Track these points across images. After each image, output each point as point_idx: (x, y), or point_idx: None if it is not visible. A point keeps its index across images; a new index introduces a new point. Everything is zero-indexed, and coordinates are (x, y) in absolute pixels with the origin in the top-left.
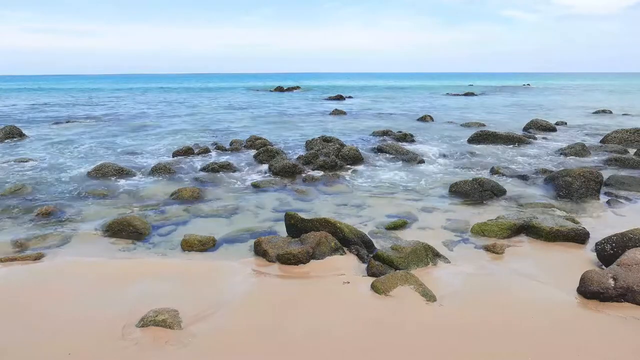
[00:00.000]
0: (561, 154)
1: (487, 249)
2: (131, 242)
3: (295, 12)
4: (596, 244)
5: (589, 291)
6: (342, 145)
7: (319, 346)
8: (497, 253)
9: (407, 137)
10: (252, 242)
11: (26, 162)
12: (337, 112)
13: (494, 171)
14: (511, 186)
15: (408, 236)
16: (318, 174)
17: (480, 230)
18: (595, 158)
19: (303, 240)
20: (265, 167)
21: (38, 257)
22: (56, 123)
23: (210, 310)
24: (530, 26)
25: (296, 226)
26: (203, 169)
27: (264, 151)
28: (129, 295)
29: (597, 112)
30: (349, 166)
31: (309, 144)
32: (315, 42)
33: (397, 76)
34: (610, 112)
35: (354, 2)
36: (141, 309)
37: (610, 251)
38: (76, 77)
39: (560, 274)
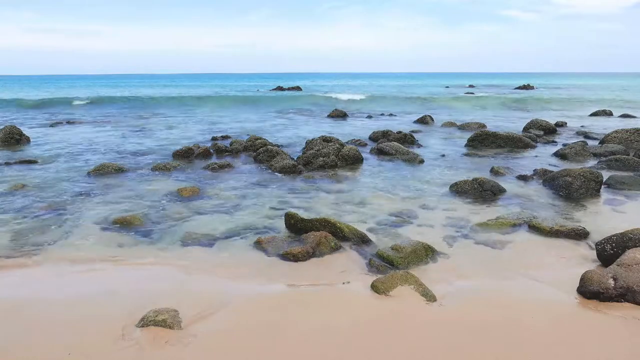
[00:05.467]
0: (561, 153)
1: (487, 248)
2: (131, 241)
3: (295, 12)
4: (596, 244)
5: (588, 291)
6: (342, 145)
7: (319, 346)
8: (497, 253)
9: (407, 138)
10: (252, 240)
11: (26, 161)
12: (336, 112)
13: (493, 171)
14: (511, 186)
15: (408, 236)
16: (318, 173)
17: (481, 230)
18: (595, 158)
19: (303, 240)
20: (265, 167)
21: None
22: (56, 123)
23: (210, 310)
24: (530, 26)
25: (296, 226)
26: (203, 169)
27: (264, 151)
28: (129, 295)
29: (597, 112)
30: (349, 166)
31: (308, 144)
32: (315, 42)
33: (398, 76)
34: (610, 112)
35: (354, 2)
36: (141, 309)
37: (610, 251)
38: (76, 78)
39: (560, 273)
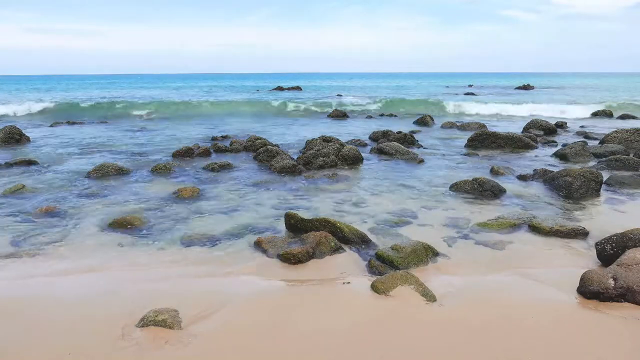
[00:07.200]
0: (561, 153)
1: (487, 248)
2: (131, 241)
3: (295, 12)
4: (596, 244)
5: (589, 291)
6: (342, 145)
7: (319, 346)
8: (497, 253)
9: (407, 138)
10: (252, 240)
11: (26, 161)
12: (336, 112)
13: (493, 171)
14: (511, 186)
15: (408, 235)
16: (318, 173)
17: (481, 230)
18: (595, 158)
19: (303, 240)
20: (265, 166)
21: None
22: (56, 123)
23: (210, 310)
24: (530, 26)
25: (296, 226)
26: (203, 169)
27: (264, 151)
28: (129, 295)
29: (597, 112)
30: (349, 166)
31: (308, 144)
32: (316, 42)
33: (397, 76)
34: (611, 113)
35: (354, 2)
36: (141, 309)
37: (610, 251)
38: (76, 77)
39: (560, 273)
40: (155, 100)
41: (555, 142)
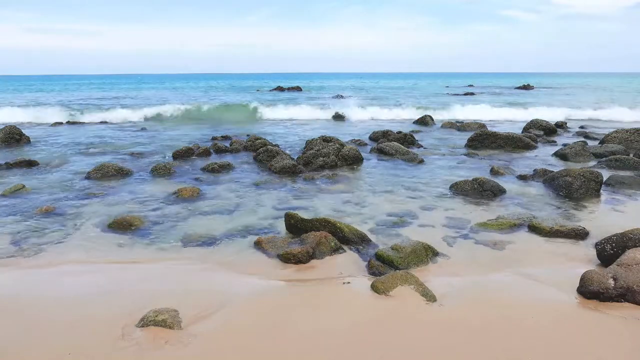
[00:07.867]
0: (561, 153)
1: (487, 248)
2: (131, 241)
3: (295, 12)
4: (596, 244)
5: (588, 291)
6: (342, 145)
7: (319, 346)
8: (497, 253)
9: (407, 138)
10: (252, 240)
11: (26, 161)
12: (336, 113)
13: (493, 171)
14: (511, 186)
15: (408, 235)
16: (318, 173)
17: (481, 230)
18: (595, 158)
19: (303, 240)
20: (265, 166)
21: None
22: (57, 124)
23: (210, 310)
24: (530, 26)
25: (296, 226)
26: (203, 169)
27: (264, 151)
28: (129, 295)
29: (596, 112)
30: (348, 166)
31: (308, 144)
32: (315, 42)
33: (397, 76)
34: (610, 113)
35: (354, 2)
36: (141, 309)
37: (610, 251)
38: (76, 77)
39: (560, 273)
40: (155, 102)
41: (555, 142)
